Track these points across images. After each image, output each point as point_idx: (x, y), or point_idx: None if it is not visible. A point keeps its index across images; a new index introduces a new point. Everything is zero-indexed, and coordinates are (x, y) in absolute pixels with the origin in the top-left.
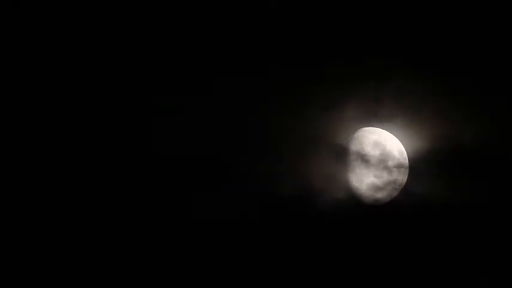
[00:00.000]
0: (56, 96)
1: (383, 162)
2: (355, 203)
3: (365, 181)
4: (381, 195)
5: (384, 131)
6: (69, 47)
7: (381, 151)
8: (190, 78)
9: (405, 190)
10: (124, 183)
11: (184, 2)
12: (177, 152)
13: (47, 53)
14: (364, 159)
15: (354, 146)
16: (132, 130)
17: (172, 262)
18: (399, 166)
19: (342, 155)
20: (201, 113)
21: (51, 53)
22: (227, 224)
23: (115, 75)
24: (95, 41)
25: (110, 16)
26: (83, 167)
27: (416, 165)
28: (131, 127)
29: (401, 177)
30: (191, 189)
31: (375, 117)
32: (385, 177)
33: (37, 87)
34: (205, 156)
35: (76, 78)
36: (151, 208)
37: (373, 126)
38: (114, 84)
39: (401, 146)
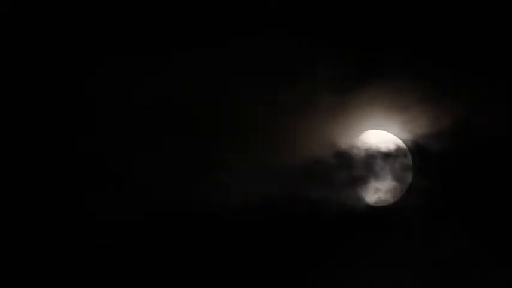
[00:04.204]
0: None
1: (387, 163)
2: (361, 205)
3: (370, 183)
4: (386, 196)
5: (386, 132)
6: None
7: (384, 153)
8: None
9: (410, 190)
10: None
11: None
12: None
13: None
14: (368, 161)
15: (358, 149)
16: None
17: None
18: (403, 166)
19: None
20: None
21: None
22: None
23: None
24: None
25: None
26: None
27: (419, 164)
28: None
29: (406, 178)
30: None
31: (376, 119)
32: (389, 178)
33: None
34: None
35: None
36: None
37: (376, 129)
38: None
39: (404, 146)
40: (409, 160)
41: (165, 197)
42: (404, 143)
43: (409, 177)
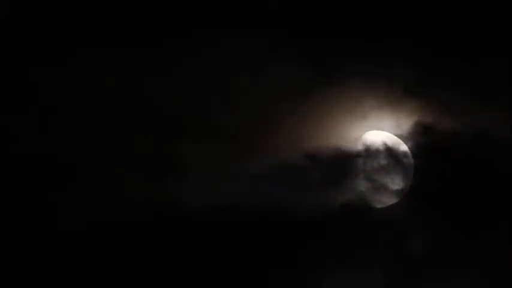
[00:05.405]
0: None
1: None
2: (362, 205)
3: (371, 183)
4: (387, 196)
5: (388, 133)
6: None
7: (386, 153)
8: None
9: (411, 190)
10: None
11: None
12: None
13: None
14: (370, 161)
15: (360, 149)
16: None
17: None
18: (405, 167)
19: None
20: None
21: None
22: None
23: None
24: None
25: None
26: None
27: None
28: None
29: (407, 178)
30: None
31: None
32: (390, 179)
33: None
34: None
35: None
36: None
37: (377, 130)
38: None
39: (406, 147)
40: (379, 161)
41: (135, 198)
42: (374, 144)
43: (383, 178)
